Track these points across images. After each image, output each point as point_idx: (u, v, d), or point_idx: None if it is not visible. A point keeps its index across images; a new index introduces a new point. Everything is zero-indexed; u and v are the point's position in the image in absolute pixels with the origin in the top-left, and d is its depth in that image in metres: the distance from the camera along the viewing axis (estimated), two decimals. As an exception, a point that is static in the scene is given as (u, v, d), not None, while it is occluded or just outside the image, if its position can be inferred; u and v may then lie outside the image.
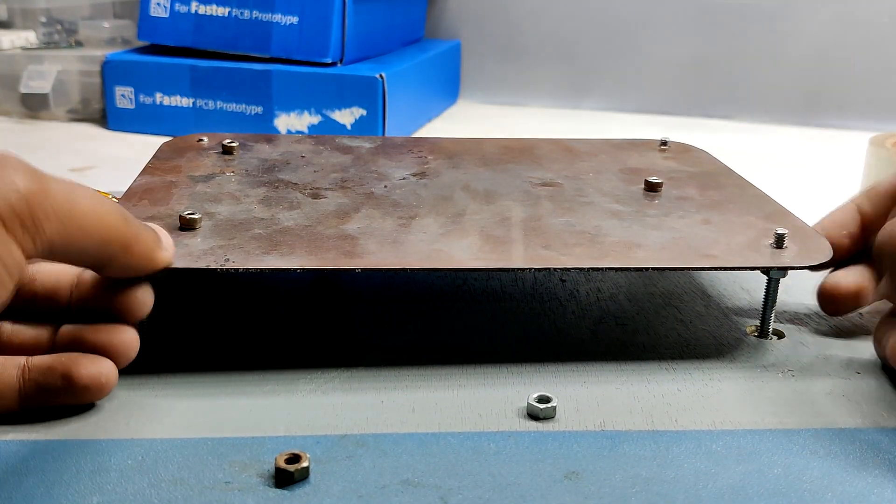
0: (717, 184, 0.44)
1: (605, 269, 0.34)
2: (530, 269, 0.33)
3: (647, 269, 0.34)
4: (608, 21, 1.03)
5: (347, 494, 0.25)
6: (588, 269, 0.33)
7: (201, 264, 0.32)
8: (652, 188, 0.43)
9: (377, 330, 0.37)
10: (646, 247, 0.35)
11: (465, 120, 0.98)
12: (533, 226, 0.37)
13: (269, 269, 0.32)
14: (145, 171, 0.43)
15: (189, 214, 0.35)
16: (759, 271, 0.35)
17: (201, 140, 0.49)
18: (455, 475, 0.26)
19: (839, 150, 0.87)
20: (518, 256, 0.34)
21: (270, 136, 0.51)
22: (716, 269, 0.34)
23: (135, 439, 0.28)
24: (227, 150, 0.47)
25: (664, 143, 0.52)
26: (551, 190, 0.42)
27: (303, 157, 0.47)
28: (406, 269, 0.33)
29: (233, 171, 0.44)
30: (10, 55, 0.90)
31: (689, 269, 0.34)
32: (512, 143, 0.51)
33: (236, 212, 0.38)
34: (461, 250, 0.34)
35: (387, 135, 0.79)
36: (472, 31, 1.07)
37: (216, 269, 0.32)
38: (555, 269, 0.33)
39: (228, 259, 0.32)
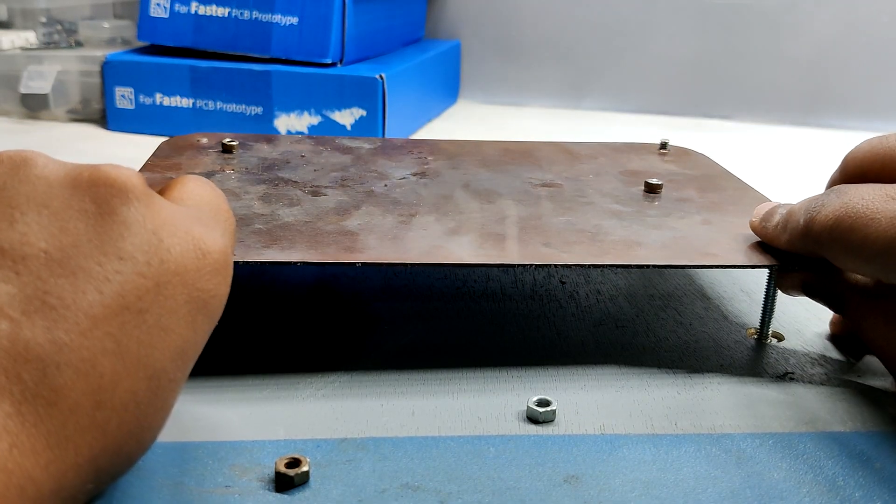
0: (716, 186, 0.44)
1: (606, 266, 0.33)
2: (530, 265, 0.33)
3: (647, 266, 0.33)
4: (608, 21, 1.02)
5: (347, 498, 0.25)
6: (588, 265, 0.33)
7: None
8: (652, 190, 0.43)
9: (377, 333, 0.37)
10: (646, 245, 0.35)
11: (465, 120, 0.98)
12: (533, 224, 0.37)
13: (269, 261, 0.32)
14: (145, 168, 0.43)
15: None
16: (758, 272, 0.35)
17: (201, 139, 0.49)
18: (455, 479, 0.26)
19: (839, 150, 0.87)
20: (518, 253, 0.34)
21: (270, 136, 0.51)
22: (717, 266, 0.34)
23: (134, 443, 0.28)
24: (226, 149, 0.47)
25: (664, 145, 0.52)
26: (551, 190, 0.42)
27: (303, 156, 0.47)
28: (406, 263, 0.33)
29: (232, 170, 0.44)
30: (10, 55, 0.90)
31: (690, 266, 0.34)
32: (512, 145, 0.51)
33: (236, 208, 0.38)
34: (461, 247, 0.34)
35: (387, 135, 0.79)
36: (472, 31, 1.07)
37: None
38: (555, 265, 0.33)
39: None
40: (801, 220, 0.32)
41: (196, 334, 0.24)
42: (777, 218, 0.35)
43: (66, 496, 0.20)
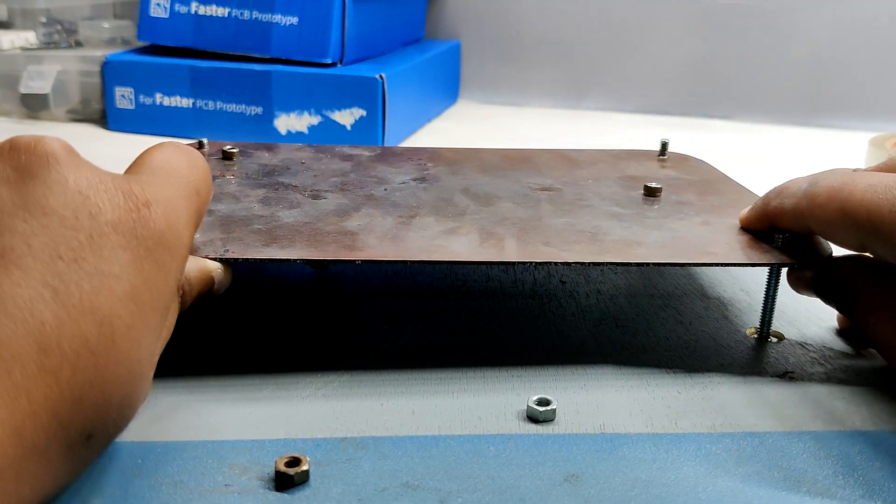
0: (716, 190, 0.44)
1: (605, 263, 0.33)
2: (530, 262, 0.33)
3: (647, 264, 0.34)
4: (608, 21, 1.03)
5: (347, 497, 0.25)
6: (588, 263, 0.33)
7: (200, 254, 0.32)
8: (651, 193, 0.43)
9: (377, 332, 0.37)
10: (646, 244, 0.35)
11: (465, 120, 0.98)
12: (533, 225, 0.37)
13: (268, 258, 0.32)
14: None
15: None
16: (758, 271, 0.35)
17: (201, 146, 0.49)
18: (455, 478, 0.26)
19: (839, 150, 0.87)
20: (518, 252, 0.34)
21: (270, 144, 0.51)
22: (717, 265, 0.34)
23: (134, 442, 0.28)
24: (227, 156, 0.47)
25: (662, 151, 0.52)
26: (551, 194, 0.43)
27: (303, 163, 0.47)
28: (405, 261, 0.33)
29: (233, 175, 0.44)
30: (10, 55, 0.90)
31: (690, 264, 0.34)
32: (511, 152, 0.51)
33: (236, 209, 0.38)
34: (461, 245, 0.34)
35: (387, 135, 0.79)
36: (472, 31, 1.07)
37: (215, 258, 0.32)
38: (555, 262, 0.33)
39: (228, 250, 0.32)
40: (804, 185, 0.33)
41: (147, 280, 0.24)
42: (763, 196, 0.36)
43: (29, 445, 0.20)
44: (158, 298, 0.25)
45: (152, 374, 0.26)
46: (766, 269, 0.36)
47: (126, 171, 0.27)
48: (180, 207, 0.27)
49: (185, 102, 0.83)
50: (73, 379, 0.21)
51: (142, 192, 0.25)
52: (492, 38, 1.07)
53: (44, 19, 0.96)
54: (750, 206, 0.37)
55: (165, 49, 0.86)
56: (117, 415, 0.23)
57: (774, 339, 0.37)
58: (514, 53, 1.06)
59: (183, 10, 0.84)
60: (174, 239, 0.26)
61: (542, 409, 0.30)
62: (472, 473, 0.27)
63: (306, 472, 0.26)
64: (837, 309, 0.36)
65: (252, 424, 0.29)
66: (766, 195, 0.36)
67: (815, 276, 0.35)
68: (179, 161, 0.29)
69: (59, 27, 0.96)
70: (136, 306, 0.23)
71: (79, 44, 0.96)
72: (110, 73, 0.84)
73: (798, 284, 0.36)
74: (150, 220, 0.25)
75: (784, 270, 0.36)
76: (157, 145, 0.29)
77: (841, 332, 0.38)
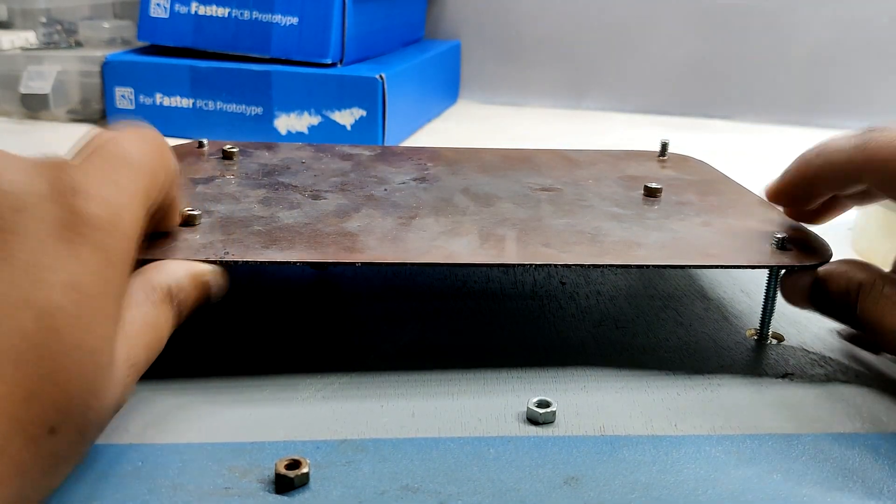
0: (716, 191, 0.44)
1: (605, 265, 0.33)
2: (530, 265, 0.33)
3: (647, 266, 0.34)
4: (608, 21, 1.03)
5: (347, 500, 0.25)
6: (588, 265, 0.33)
7: (200, 257, 0.32)
8: (651, 193, 0.43)
9: (377, 334, 0.37)
10: (646, 246, 0.35)
11: (465, 120, 0.98)
12: (533, 226, 0.37)
13: (268, 261, 0.32)
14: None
15: (189, 211, 0.35)
16: (758, 273, 0.35)
17: (202, 146, 0.49)
18: (454, 480, 0.26)
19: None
20: (518, 253, 0.34)
21: (270, 143, 0.51)
22: (717, 266, 0.34)
23: (133, 444, 0.28)
24: (227, 156, 0.47)
25: (663, 152, 0.52)
26: (551, 194, 0.42)
27: (303, 162, 0.47)
28: (405, 263, 0.33)
29: (233, 175, 0.44)
30: (10, 55, 0.90)
31: (689, 266, 0.34)
32: (511, 152, 0.51)
33: (236, 210, 0.38)
34: (461, 247, 0.34)
35: (387, 135, 0.79)
36: (472, 31, 1.07)
37: (215, 260, 0.32)
38: (554, 265, 0.33)
39: (228, 252, 0.32)
40: (853, 140, 0.33)
41: (87, 267, 0.23)
42: (797, 159, 0.36)
43: None
44: (106, 283, 0.24)
45: (120, 361, 0.25)
46: (765, 271, 0.36)
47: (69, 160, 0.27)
48: (119, 187, 0.26)
49: (185, 102, 0.83)
50: (18, 374, 0.21)
51: (70, 180, 0.24)
52: (492, 38, 1.07)
53: (44, 19, 0.96)
54: (779, 176, 0.36)
55: (165, 49, 0.86)
56: (82, 405, 0.23)
57: (774, 341, 0.37)
58: (514, 53, 1.06)
59: (183, 10, 0.84)
60: (113, 219, 0.25)
61: (542, 410, 0.30)
62: (472, 476, 0.27)
63: (306, 475, 0.26)
64: (835, 316, 0.35)
65: (252, 426, 0.29)
66: (803, 157, 0.35)
67: (815, 282, 0.35)
68: (122, 141, 0.28)
69: (59, 27, 0.96)
70: (79, 294, 0.23)
71: (79, 44, 0.96)
72: (110, 73, 0.84)
73: (792, 293, 0.35)
74: (80, 207, 0.24)
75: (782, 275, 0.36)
76: (102, 130, 0.28)
77: (841, 334, 0.38)
